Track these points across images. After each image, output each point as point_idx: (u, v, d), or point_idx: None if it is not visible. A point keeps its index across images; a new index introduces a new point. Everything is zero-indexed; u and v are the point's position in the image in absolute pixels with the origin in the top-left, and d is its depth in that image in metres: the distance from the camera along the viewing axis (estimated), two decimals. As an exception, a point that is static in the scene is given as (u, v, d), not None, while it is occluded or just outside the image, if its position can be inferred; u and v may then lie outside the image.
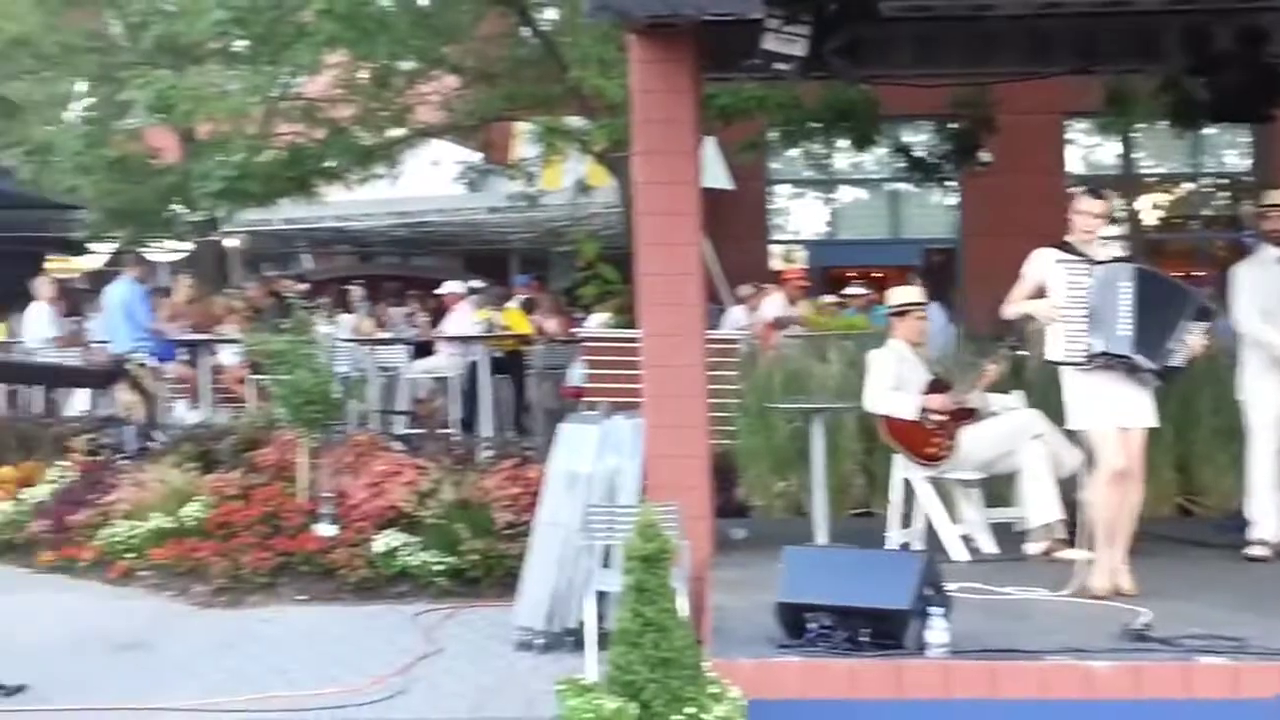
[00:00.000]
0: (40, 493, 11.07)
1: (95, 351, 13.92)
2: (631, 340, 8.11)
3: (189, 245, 16.38)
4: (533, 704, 6.78)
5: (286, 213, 13.62)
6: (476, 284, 15.78)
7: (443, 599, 9.03)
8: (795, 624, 5.28)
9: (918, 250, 17.85)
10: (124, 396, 12.01)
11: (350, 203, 14.04)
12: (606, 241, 12.89)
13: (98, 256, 19.26)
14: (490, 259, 19.25)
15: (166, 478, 10.27)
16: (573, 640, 7.32)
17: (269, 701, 6.94)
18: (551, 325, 14.10)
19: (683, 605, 4.92)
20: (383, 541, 9.36)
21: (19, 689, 7.24)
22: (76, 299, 16.88)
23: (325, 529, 9.57)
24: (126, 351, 12.52)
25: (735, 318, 13.53)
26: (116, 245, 16.25)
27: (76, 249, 18.49)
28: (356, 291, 16.45)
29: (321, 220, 15.30)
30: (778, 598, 5.37)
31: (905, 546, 7.32)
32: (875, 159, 16.06)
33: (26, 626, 8.66)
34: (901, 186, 17.66)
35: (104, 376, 11.95)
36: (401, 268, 20.33)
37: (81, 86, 12.58)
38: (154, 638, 8.40)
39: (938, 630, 5.05)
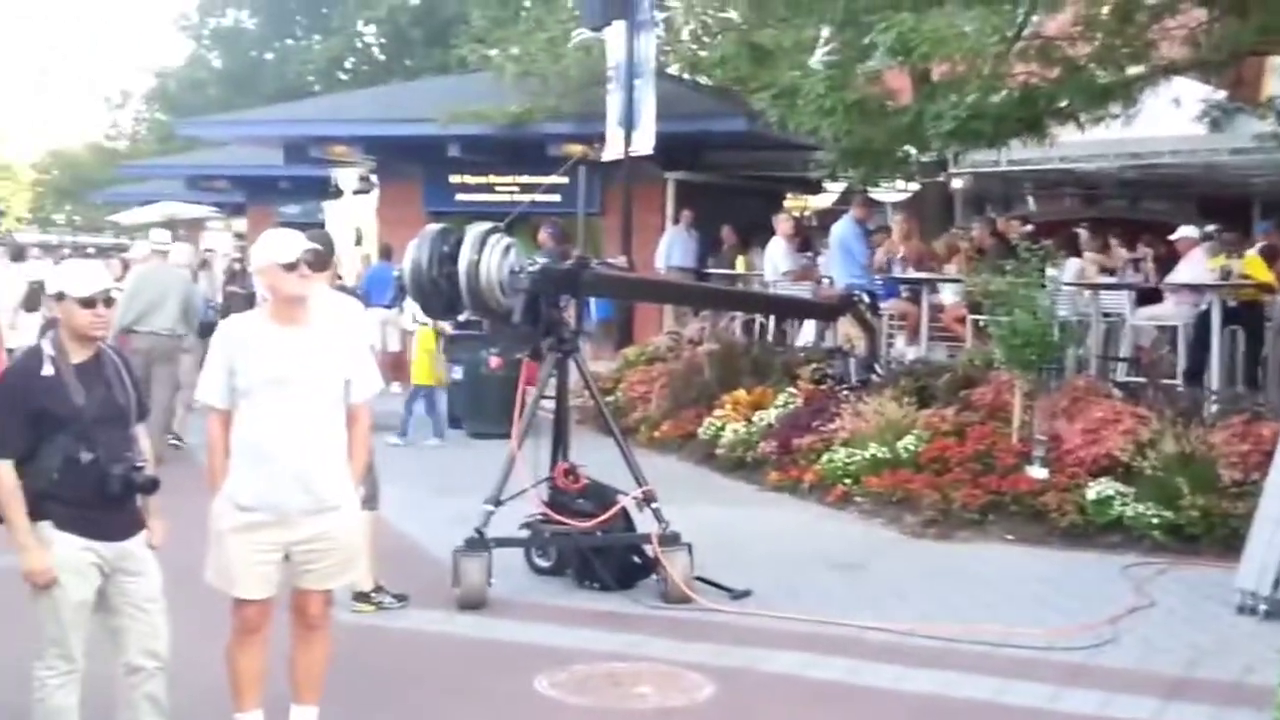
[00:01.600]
0: (769, 416, 11.91)
1: (824, 286, 14.67)
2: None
3: (915, 186, 16.75)
4: (1251, 669, 6.39)
5: (1014, 154, 13.50)
6: (1212, 229, 14.87)
7: (1156, 553, 8.71)
8: None
9: None
10: (847, 330, 12.56)
11: (1078, 144, 13.64)
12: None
13: (829, 195, 20.26)
14: (1229, 203, 18.00)
15: (884, 410, 10.64)
16: (1298, 610, 6.82)
17: (977, 633, 7.03)
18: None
19: None
20: (1096, 489, 9.15)
21: (745, 593, 7.87)
22: (809, 235, 17.86)
23: (1037, 471, 9.51)
24: (847, 286, 13.07)
25: None
26: (846, 185, 16.99)
27: (813, 188, 19.55)
28: (1083, 235, 16.06)
29: (1048, 161, 14.98)
30: None
31: None
32: None
33: (753, 538, 9.39)
34: None
35: (830, 310, 12.55)
36: (1130, 211, 19.51)
37: (825, 32, 13.18)
38: (866, 560, 8.80)
39: None
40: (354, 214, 22.54)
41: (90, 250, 31.84)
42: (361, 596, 7.39)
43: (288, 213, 29.09)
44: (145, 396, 5.60)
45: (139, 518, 5.00)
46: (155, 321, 12.02)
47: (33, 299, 13.88)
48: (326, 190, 23.79)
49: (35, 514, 4.75)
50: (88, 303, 4.95)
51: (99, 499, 4.78)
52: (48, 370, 4.82)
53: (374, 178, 22.23)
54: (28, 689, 4.84)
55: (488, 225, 8.08)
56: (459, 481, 10.63)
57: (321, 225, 23.82)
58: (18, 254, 15.06)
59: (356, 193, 22.76)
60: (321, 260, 5.83)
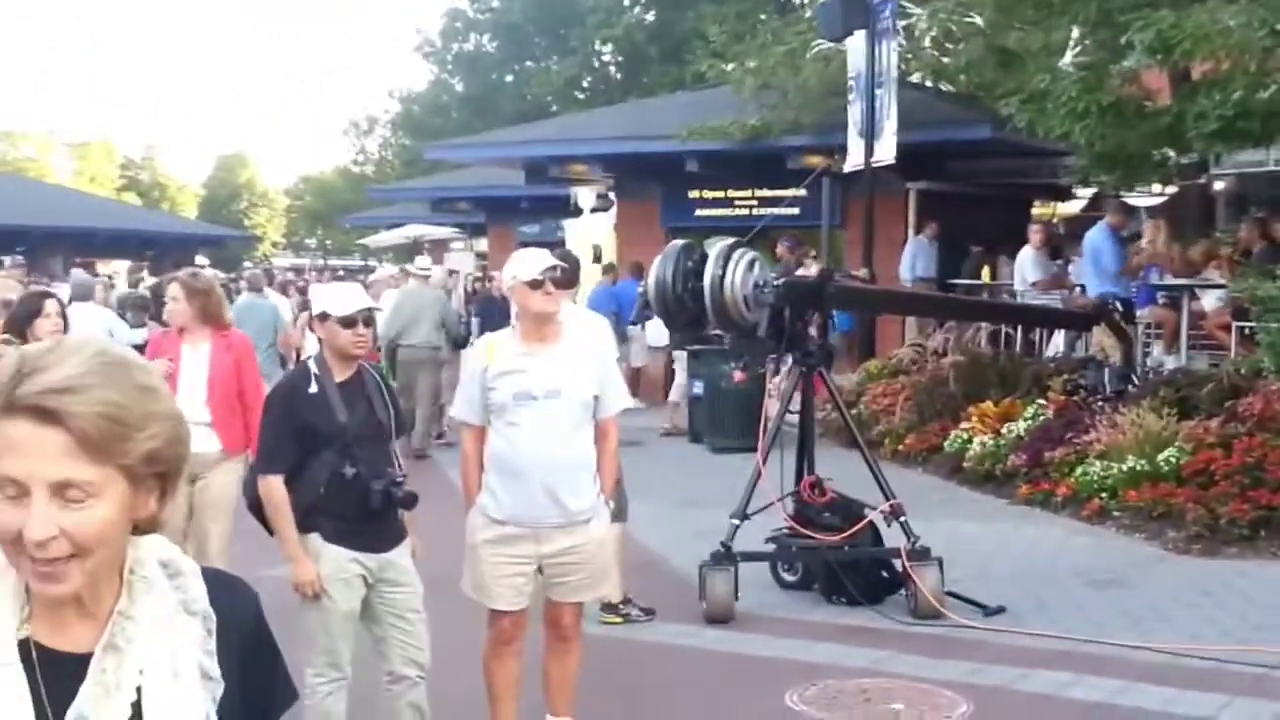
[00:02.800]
0: (1018, 428, 11.55)
1: (1075, 294, 14.18)
2: None
3: (1171, 189, 16.06)
4: None
5: (1280, 153, 12.83)
6: None
7: None
8: None
9: None
10: (1102, 339, 12.09)
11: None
12: None
13: (1078, 201, 19.59)
14: None
15: (1143, 421, 10.20)
16: None
17: (1247, 655, 6.66)
18: None
19: None
20: (1378, 506, 8.58)
21: (998, 610, 7.64)
22: (1059, 242, 17.31)
23: (1311, 487, 8.97)
24: (1100, 295, 12.60)
25: None
26: (1096, 190, 16.38)
27: (1061, 194, 18.94)
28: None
29: (1321, 159, 14.18)
30: None
31: None
32: None
33: (1004, 553, 9.13)
34: None
35: (1084, 319, 12.12)
36: None
37: (1076, 33, 12.78)
38: (1126, 577, 8.44)
39: None
40: (593, 231, 22.86)
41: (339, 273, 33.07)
42: (610, 609, 7.45)
43: (527, 232, 29.73)
44: (403, 413, 5.78)
45: (401, 530, 5.13)
46: (415, 336, 13.58)
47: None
48: (565, 209, 24.19)
49: (304, 527, 4.92)
50: (348, 322, 5.11)
51: (362, 512, 4.92)
52: (313, 388, 4.99)
53: (612, 195, 22.51)
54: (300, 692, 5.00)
55: (731, 240, 8.07)
56: (701, 495, 10.65)
57: (561, 243, 24.29)
58: (255, 286, 15.78)
59: (595, 210, 23.08)
60: (568, 277, 5.90)
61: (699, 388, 14.19)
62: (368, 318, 5.23)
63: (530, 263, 5.36)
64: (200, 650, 1.67)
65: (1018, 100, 11.44)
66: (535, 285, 5.26)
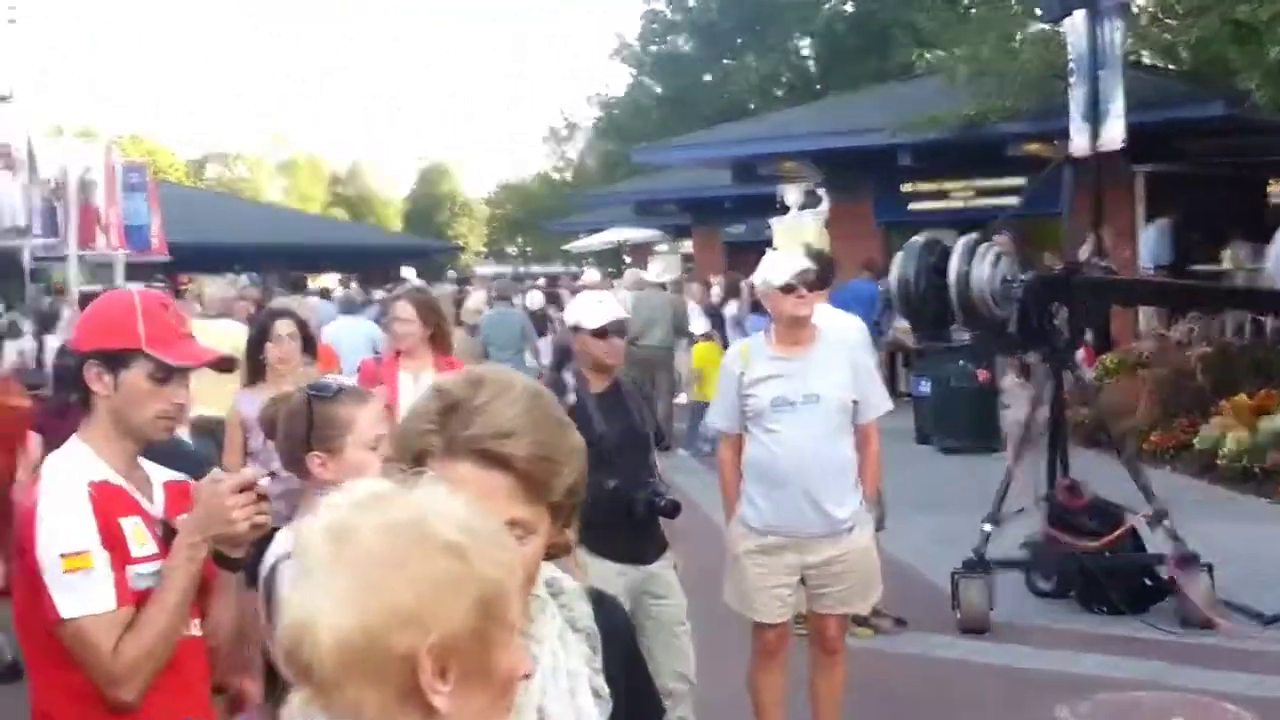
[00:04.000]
0: (1277, 422, 10.89)
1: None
2: None
3: None
4: None
5: None
6: None
7: None
8: None
9: None
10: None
11: None
12: None
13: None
14: None
15: None
16: None
17: None
18: None
19: None
20: None
21: (1276, 618, 7.17)
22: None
23: None
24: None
25: None
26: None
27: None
28: None
29: None
30: None
31: None
32: None
33: (1272, 558, 8.59)
34: None
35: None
36: None
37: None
38: None
39: None
40: (802, 229, 22.59)
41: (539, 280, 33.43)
42: (860, 619, 7.22)
43: (733, 232, 29.61)
44: (662, 423, 5.69)
45: (663, 540, 5.02)
46: (652, 337, 14.35)
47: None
48: (772, 208, 23.98)
49: None
50: (600, 333, 5.04)
51: (625, 523, 4.81)
52: (570, 399, 4.91)
53: (822, 192, 22.21)
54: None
55: (975, 235, 7.77)
56: (938, 498, 10.33)
57: (768, 243, 24.08)
58: (504, 294, 16.03)
59: (803, 208, 22.80)
60: (820, 279, 5.71)
61: (926, 386, 13.83)
62: (620, 328, 5.15)
63: (781, 267, 5.23)
64: (589, 669, 1.69)
65: (1258, 74, 10.80)
66: (787, 290, 5.14)
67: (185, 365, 2.70)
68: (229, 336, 8.80)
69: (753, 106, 36.61)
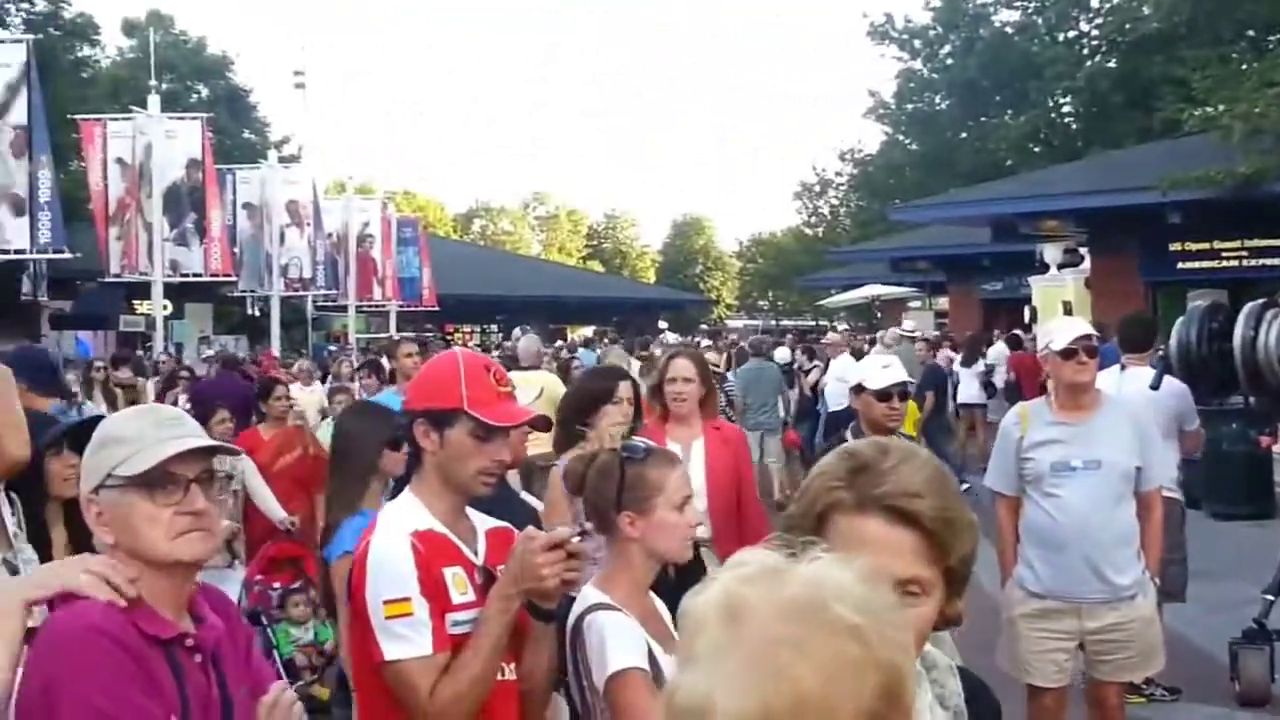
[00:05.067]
0: None
1: None
2: None
3: None
4: None
5: None
6: None
7: None
8: None
9: None
10: None
11: None
12: None
13: None
14: None
15: None
16: None
17: None
18: None
19: None
20: None
21: None
22: None
23: None
24: None
25: None
26: None
27: None
28: None
29: None
30: None
31: None
32: None
33: None
34: None
35: None
36: None
37: None
38: None
39: None
40: (1061, 288, 22.19)
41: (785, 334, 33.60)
42: (1133, 687, 7.13)
43: (989, 289, 29.25)
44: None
45: None
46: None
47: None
48: (1030, 265, 23.64)
49: None
50: (884, 395, 5.19)
51: None
52: None
53: (1082, 250, 21.79)
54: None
55: (1261, 300, 7.61)
56: (1209, 565, 10.02)
57: (1027, 300, 23.72)
58: (758, 350, 16.35)
59: (1062, 266, 22.42)
60: (1142, 340, 5.69)
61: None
62: (903, 391, 5.29)
63: (1063, 332, 5.27)
64: None
65: None
66: (1068, 355, 5.18)
67: (504, 425, 2.86)
68: (546, 386, 9.39)
69: (1010, 164, 36.09)
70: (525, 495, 5.29)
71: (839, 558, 1.31)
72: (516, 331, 18.29)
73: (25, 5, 32.73)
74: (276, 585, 7.31)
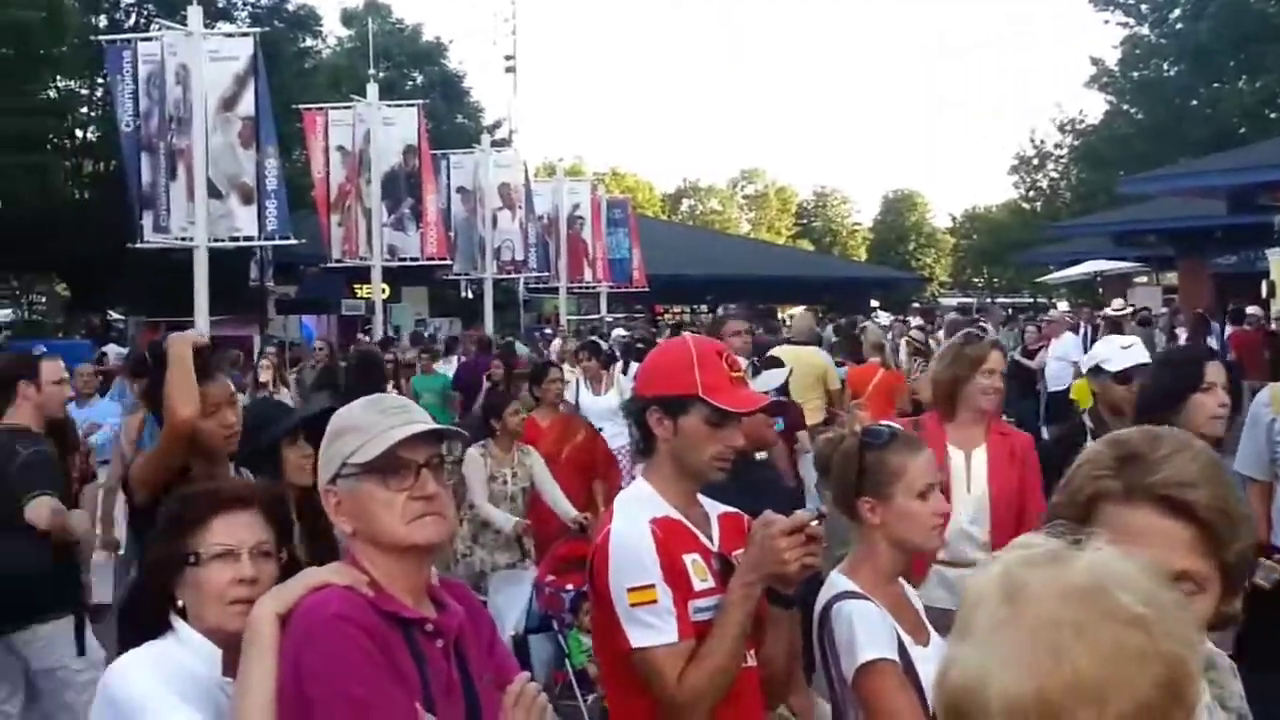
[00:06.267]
0: None
1: None
2: None
3: None
4: None
5: None
6: None
7: None
8: None
9: None
10: None
11: None
12: None
13: None
14: None
15: None
16: None
17: None
18: None
19: None
20: None
21: None
22: None
23: None
24: None
25: None
26: None
27: None
28: None
29: None
30: None
31: None
32: None
33: None
34: None
35: None
36: None
37: None
38: None
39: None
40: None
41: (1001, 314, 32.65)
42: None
43: (1223, 263, 27.89)
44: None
45: None
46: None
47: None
48: (1268, 238, 22.41)
49: None
50: (1123, 378, 4.89)
51: None
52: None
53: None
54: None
55: None
56: None
57: (1264, 275, 22.50)
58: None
59: (1309, 239, 21.19)
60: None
61: None
62: (1145, 374, 4.96)
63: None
64: None
65: None
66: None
67: (738, 410, 2.83)
68: (813, 364, 9.16)
69: (1243, 132, 34.40)
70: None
71: (1122, 549, 1.29)
72: (721, 310, 18.15)
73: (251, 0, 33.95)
74: (569, 588, 6.57)
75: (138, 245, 16.96)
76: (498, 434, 7.38)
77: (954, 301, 55.58)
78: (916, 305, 48.36)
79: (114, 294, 31.02)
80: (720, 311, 17.36)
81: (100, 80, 27.51)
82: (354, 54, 38.53)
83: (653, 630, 2.70)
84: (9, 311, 37.16)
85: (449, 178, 26.10)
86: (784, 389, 5.10)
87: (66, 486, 5.29)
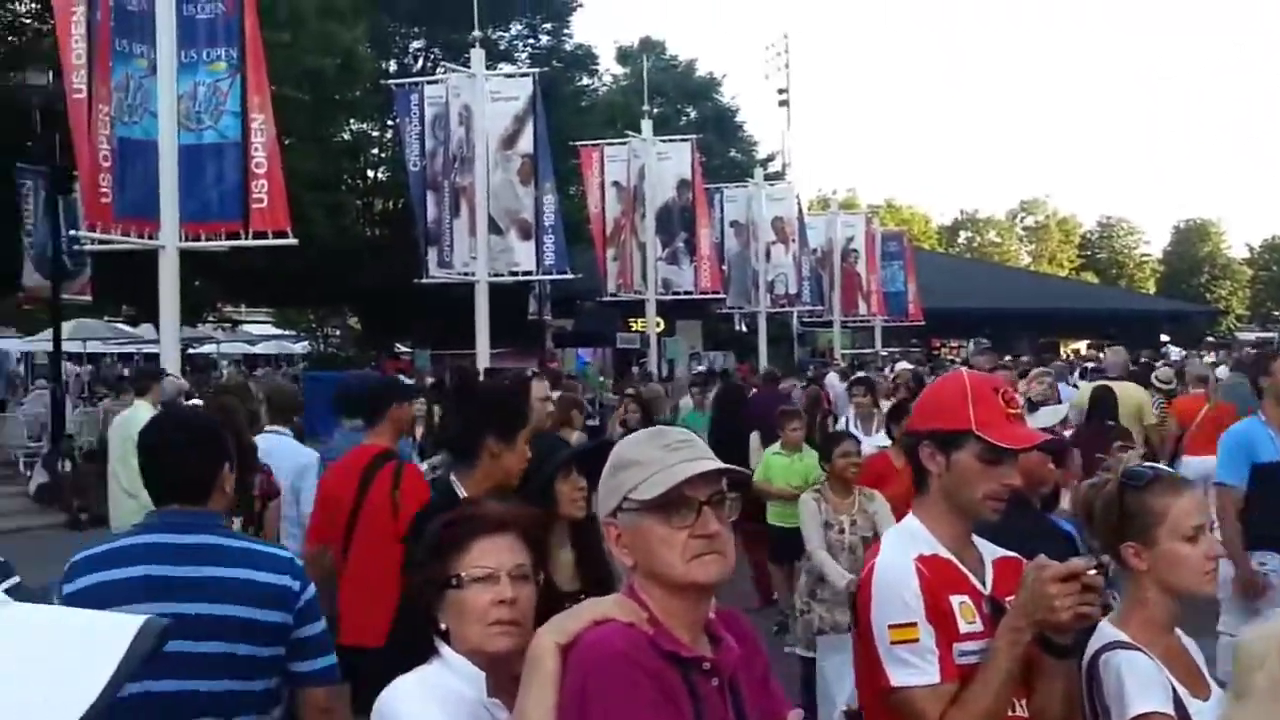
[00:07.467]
0: None
1: None
2: None
3: None
4: None
5: None
6: None
7: None
8: None
9: None
10: None
11: None
12: None
13: None
14: None
15: None
16: None
17: None
18: None
19: None
20: None
21: None
22: None
23: None
24: None
25: None
26: None
27: None
28: None
29: None
30: None
31: None
32: None
33: None
34: None
35: None
36: None
37: None
38: None
39: None
40: None
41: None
42: None
43: None
44: None
45: None
46: None
47: None
48: None
49: None
50: None
51: None
52: None
53: None
54: None
55: None
56: None
57: None
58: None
59: None
60: None
61: None
62: None
63: None
64: None
65: None
66: None
67: (1012, 447, 2.74)
68: (1131, 398, 9.06)
69: None
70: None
71: None
72: (970, 345, 17.53)
73: (531, 41, 34.89)
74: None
75: (423, 280, 17.51)
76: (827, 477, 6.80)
77: (1252, 336, 52.52)
78: (1210, 339, 45.91)
79: (402, 327, 32.25)
80: (971, 346, 16.81)
81: (390, 122, 28.70)
82: (629, 91, 39.17)
83: (914, 670, 2.65)
84: (306, 344, 39.11)
85: (722, 211, 26.20)
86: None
87: (248, 505, 5.37)
